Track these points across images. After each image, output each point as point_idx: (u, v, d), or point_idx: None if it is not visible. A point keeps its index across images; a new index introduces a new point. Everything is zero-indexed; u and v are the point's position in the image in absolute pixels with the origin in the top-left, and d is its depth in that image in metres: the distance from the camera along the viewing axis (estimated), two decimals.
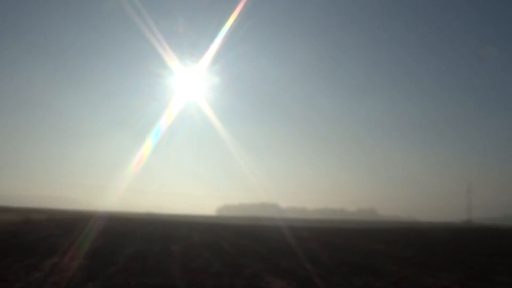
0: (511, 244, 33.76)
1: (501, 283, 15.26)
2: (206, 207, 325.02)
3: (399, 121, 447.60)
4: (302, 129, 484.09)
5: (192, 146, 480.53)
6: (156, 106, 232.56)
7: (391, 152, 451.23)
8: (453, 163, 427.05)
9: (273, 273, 15.66)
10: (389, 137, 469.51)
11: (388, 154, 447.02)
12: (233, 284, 13.13)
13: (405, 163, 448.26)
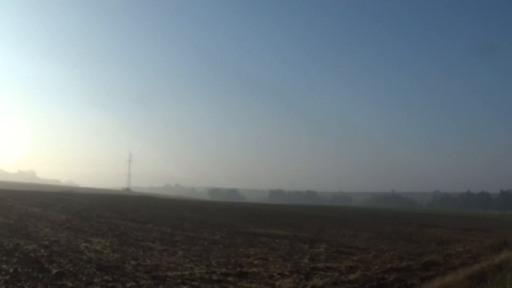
0: (165, 213, 36.17)
1: (153, 249, 15.82)
2: None
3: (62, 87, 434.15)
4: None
5: None
6: None
7: (44, 115, 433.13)
8: (116, 132, 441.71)
9: None
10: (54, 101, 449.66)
11: (41, 116, 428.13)
12: None
13: (65, 128, 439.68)
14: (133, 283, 10.40)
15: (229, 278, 12.00)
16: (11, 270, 10.49)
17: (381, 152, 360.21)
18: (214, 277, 11.98)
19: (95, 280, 10.32)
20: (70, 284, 9.78)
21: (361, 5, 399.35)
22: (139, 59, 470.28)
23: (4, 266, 10.89)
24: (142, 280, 10.77)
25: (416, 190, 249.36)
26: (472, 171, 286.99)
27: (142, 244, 16.95)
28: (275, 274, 12.85)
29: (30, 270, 10.70)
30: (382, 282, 13.17)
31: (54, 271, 10.81)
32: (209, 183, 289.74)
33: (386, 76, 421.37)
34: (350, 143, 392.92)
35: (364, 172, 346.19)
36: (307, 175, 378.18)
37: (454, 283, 13.55)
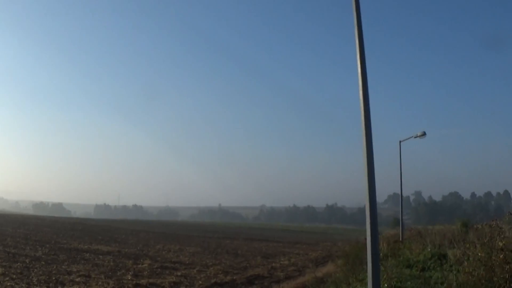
0: None
1: None
2: None
3: None
4: None
5: None
6: None
7: None
8: None
9: None
10: None
11: None
12: None
13: None
14: None
15: None
16: None
17: (208, 166, 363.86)
18: None
19: None
20: None
21: None
22: None
23: None
24: None
25: (243, 204, 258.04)
26: (297, 185, 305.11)
27: None
28: None
29: None
30: None
31: None
32: (34, 197, 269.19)
33: None
34: (176, 156, 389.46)
35: (191, 187, 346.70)
36: (135, 189, 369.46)
37: None
